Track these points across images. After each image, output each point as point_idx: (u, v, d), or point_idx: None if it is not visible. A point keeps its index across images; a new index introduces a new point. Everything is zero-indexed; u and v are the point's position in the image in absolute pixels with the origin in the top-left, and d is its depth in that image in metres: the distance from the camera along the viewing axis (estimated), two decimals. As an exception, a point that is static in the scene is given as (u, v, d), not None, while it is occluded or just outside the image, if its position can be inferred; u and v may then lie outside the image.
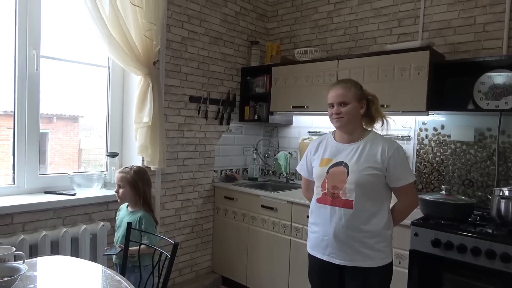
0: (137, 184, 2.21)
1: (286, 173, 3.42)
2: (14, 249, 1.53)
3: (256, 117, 3.45)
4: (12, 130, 2.40)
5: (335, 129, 1.88)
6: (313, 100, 2.97)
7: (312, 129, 3.38)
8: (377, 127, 1.87)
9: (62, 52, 2.57)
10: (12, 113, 2.38)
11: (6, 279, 1.33)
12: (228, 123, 3.44)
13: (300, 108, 3.05)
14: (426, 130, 2.73)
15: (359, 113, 1.79)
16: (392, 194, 1.82)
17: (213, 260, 3.41)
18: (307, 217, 2.61)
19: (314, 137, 3.32)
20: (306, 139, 3.34)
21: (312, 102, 2.97)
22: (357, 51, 3.09)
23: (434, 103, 2.43)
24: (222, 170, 3.45)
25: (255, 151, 3.65)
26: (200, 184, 3.27)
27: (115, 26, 2.40)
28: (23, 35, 2.33)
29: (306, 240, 2.66)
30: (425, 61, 2.41)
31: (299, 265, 2.73)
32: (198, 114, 3.20)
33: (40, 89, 2.44)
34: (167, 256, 1.73)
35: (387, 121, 1.85)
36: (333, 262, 1.77)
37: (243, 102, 3.51)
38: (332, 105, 1.79)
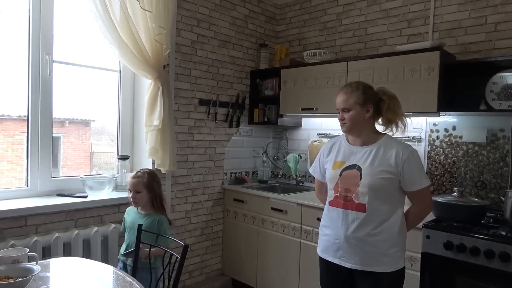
0: (153, 187, 2.23)
1: (296, 176, 3.41)
2: (28, 250, 1.56)
3: (265, 119, 3.46)
4: (26, 134, 2.44)
5: None
6: (322, 102, 2.96)
7: (321, 131, 3.37)
8: (394, 130, 1.79)
9: (74, 57, 2.61)
10: (26, 118, 2.42)
11: (20, 279, 1.36)
12: (237, 126, 3.45)
13: (310, 110, 3.04)
14: (437, 131, 2.70)
15: (364, 117, 1.75)
16: (406, 198, 1.80)
17: (223, 262, 3.41)
18: (318, 219, 2.62)
19: (324, 139, 3.31)
20: (315, 141, 3.33)
21: (321, 104, 2.97)
22: (366, 53, 3.08)
23: (445, 104, 2.40)
24: (231, 173, 3.46)
25: (264, 154, 3.65)
26: (210, 186, 3.28)
27: (126, 31, 2.44)
28: (36, 41, 2.38)
29: (316, 243, 2.65)
30: (436, 61, 2.39)
31: (309, 267, 2.71)
32: (208, 117, 3.22)
33: (53, 93, 2.48)
34: (177, 258, 1.74)
35: (405, 123, 1.78)
36: (344, 265, 1.76)
37: (253, 104, 3.52)
38: (338, 110, 1.81)
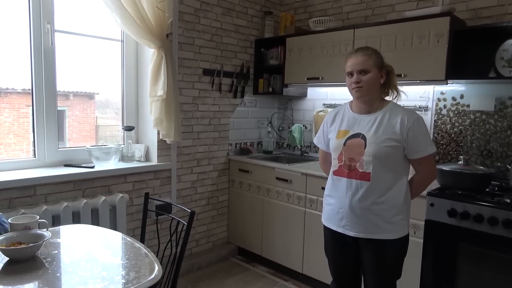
0: None
1: (301, 146, 3.41)
2: (38, 217, 1.59)
3: (270, 89, 3.42)
4: (31, 106, 2.44)
5: (352, 99, 1.84)
6: (328, 71, 2.91)
7: (327, 101, 3.34)
8: (389, 99, 1.82)
9: (75, 26, 2.57)
10: (30, 91, 2.41)
11: (31, 245, 1.39)
12: (242, 96, 3.43)
13: (315, 80, 3.00)
14: (445, 100, 2.66)
15: (379, 82, 1.73)
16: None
17: (229, 231, 3.48)
18: (322, 188, 2.63)
19: (329, 109, 3.28)
20: (321, 111, 3.31)
21: (327, 73, 2.92)
22: (374, 20, 3.00)
23: (453, 72, 2.35)
24: (236, 143, 3.47)
25: (269, 124, 3.64)
26: (215, 157, 3.30)
27: (127, -2, 2.38)
28: (37, 9, 2.34)
29: (320, 211, 2.69)
30: (445, 28, 2.32)
31: (313, 235, 2.76)
32: (212, 87, 3.19)
33: (56, 65, 2.46)
34: (184, 225, 1.77)
35: (399, 93, 1.81)
36: (348, 234, 1.77)
37: (257, 74, 3.48)
38: (351, 74, 1.73)
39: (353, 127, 1.78)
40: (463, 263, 2.07)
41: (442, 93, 2.67)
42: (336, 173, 1.81)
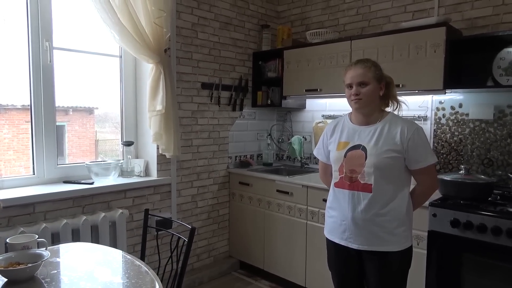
0: None
1: (301, 158, 3.40)
2: (37, 236, 1.58)
3: (269, 102, 3.43)
4: (30, 123, 2.44)
5: (351, 111, 1.84)
6: (326, 82, 2.92)
7: (326, 112, 3.34)
8: (389, 110, 1.83)
9: (74, 43, 2.58)
10: (29, 107, 2.41)
11: (30, 265, 1.37)
12: (241, 109, 3.43)
13: (313, 92, 3.01)
14: (444, 109, 2.67)
15: (378, 94, 1.74)
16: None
17: (230, 245, 3.44)
18: (323, 200, 2.62)
19: (328, 120, 3.28)
20: (320, 122, 3.31)
21: (325, 85, 2.93)
22: (370, 31, 3.02)
23: (451, 81, 2.36)
24: (236, 156, 3.46)
25: (269, 136, 3.64)
26: (215, 170, 3.29)
27: (125, 15, 2.40)
28: (35, 27, 2.35)
29: (322, 224, 2.67)
30: (442, 38, 2.33)
31: (315, 248, 2.73)
32: (211, 101, 3.20)
33: (55, 81, 2.47)
34: (184, 241, 1.75)
35: (400, 104, 1.82)
36: (351, 246, 1.75)
37: (256, 87, 3.49)
38: (350, 86, 1.74)
39: (353, 138, 1.77)
40: (468, 273, 2.04)
41: (440, 102, 2.68)
42: (337, 185, 1.80)
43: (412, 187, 1.80)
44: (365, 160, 1.69)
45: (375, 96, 1.72)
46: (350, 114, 1.87)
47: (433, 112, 2.71)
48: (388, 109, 1.82)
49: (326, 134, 1.92)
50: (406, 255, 1.73)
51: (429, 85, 2.40)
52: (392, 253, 1.70)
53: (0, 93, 2.56)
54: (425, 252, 2.17)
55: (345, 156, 1.76)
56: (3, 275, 1.36)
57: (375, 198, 1.68)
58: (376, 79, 1.71)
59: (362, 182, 1.70)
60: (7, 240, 1.53)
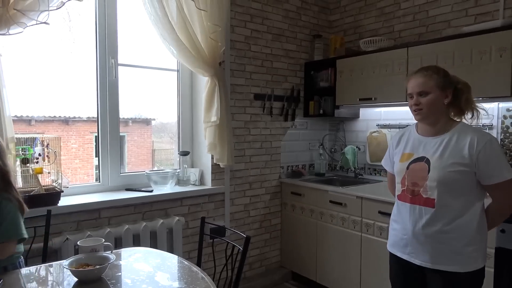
0: None
1: (355, 168, 3.33)
2: (103, 240, 1.69)
3: (321, 111, 3.41)
4: (96, 134, 2.64)
5: (414, 120, 1.75)
6: (381, 91, 2.85)
7: (381, 121, 3.25)
8: (467, 118, 1.68)
9: (135, 59, 2.76)
10: (95, 119, 2.61)
11: (98, 267, 1.47)
12: (293, 119, 3.44)
13: (368, 100, 2.94)
14: (511, 117, 2.49)
15: (443, 103, 1.62)
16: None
17: (282, 255, 3.43)
18: (379, 212, 2.55)
19: (384, 130, 3.19)
20: (374, 132, 3.22)
21: (380, 94, 2.86)
22: (428, 37, 2.90)
23: (520, 87, 2.20)
24: (288, 166, 3.46)
25: (321, 146, 3.61)
26: (267, 180, 3.31)
27: (183, 31, 2.52)
28: (102, 46, 2.55)
29: (378, 237, 2.59)
30: (509, 41, 2.19)
31: (371, 261, 2.64)
32: (263, 111, 3.24)
33: (119, 95, 2.64)
34: (239, 249, 1.78)
35: (478, 112, 1.67)
36: (414, 262, 1.66)
37: (307, 97, 3.48)
38: (411, 96, 1.66)
39: (417, 150, 1.68)
40: (544, 297, 1.87)
41: (508, 110, 2.50)
42: (400, 197, 1.72)
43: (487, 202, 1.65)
44: (428, 173, 1.60)
45: (439, 105, 1.62)
46: (417, 124, 1.77)
47: (500, 120, 2.54)
48: (468, 118, 1.68)
49: (392, 144, 1.86)
50: (474, 277, 1.58)
51: (495, 91, 2.26)
52: (459, 274, 1.56)
53: (69, 106, 2.79)
54: (493, 271, 2.02)
55: (407, 168, 1.68)
56: (74, 275, 1.47)
57: (438, 213, 1.58)
58: (439, 87, 1.60)
59: (424, 196, 1.61)
60: (78, 243, 1.66)
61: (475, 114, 1.67)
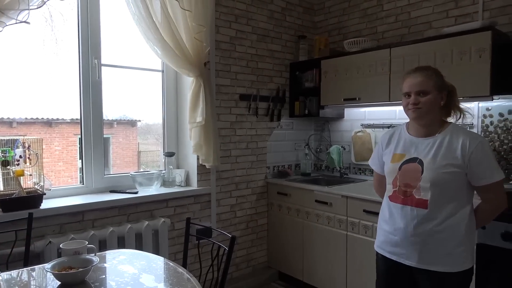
0: None
1: (340, 167, 3.36)
2: (87, 242, 1.66)
3: (306, 112, 3.43)
4: (80, 136, 2.60)
5: (408, 121, 1.75)
6: (365, 91, 2.88)
7: (365, 121, 3.29)
8: (452, 120, 1.71)
9: (119, 60, 2.73)
10: (79, 121, 2.57)
11: (81, 269, 1.45)
12: (278, 119, 3.45)
13: (352, 101, 2.98)
14: (491, 116, 2.55)
15: (439, 104, 1.63)
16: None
17: (269, 255, 3.44)
18: (364, 211, 2.57)
19: (368, 130, 3.23)
20: (359, 132, 3.26)
21: (364, 94, 2.89)
22: (410, 38, 2.96)
23: (499, 87, 2.26)
24: (274, 166, 3.47)
25: (306, 146, 3.63)
26: (253, 180, 3.32)
27: (167, 31, 2.51)
28: (85, 46, 2.52)
29: (363, 235, 2.62)
30: (487, 42, 2.25)
31: (357, 260, 2.67)
32: (249, 112, 3.25)
33: (103, 96, 2.61)
34: (225, 250, 1.78)
35: (464, 114, 1.70)
36: (403, 262, 1.66)
37: (293, 97, 3.50)
38: (408, 95, 1.64)
39: (409, 150, 1.68)
40: (523, 291, 1.92)
41: (487, 109, 2.56)
42: (391, 198, 1.71)
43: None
44: (421, 174, 1.60)
45: (435, 106, 1.62)
46: (407, 124, 1.77)
47: (480, 119, 2.60)
48: (450, 119, 1.71)
49: (381, 144, 1.84)
50: (463, 277, 1.60)
51: (475, 91, 2.31)
52: (447, 274, 1.57)
53: (52, 108, 2.74)
54: (475, 266, 2.06)
55: (399, 169, 1.67)
56: (57, 278, 1.45)
57: (430, 214, 1.58)
58: (437, 88, 1.61)
59: (417, 197, 1.61)
60: (61, 246, 1.63)
61: (460, 115, 1.70)
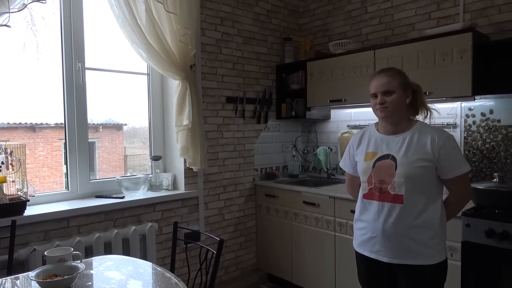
0: None
1: (327, 168, 3.38)
2: (72, 249, 1.63)
3: (293, 113, 3.44)
4: (64, 140, 2.56)
5: (377, 121, 1.81)
6: (350, 92, 2.91)
7: (351, 122, 3.32)
8: (420, 118, 1.78)
9: (103, 63, 2.70)
10: (63, 125, 2.53)
11: (66, 277, 1.42)
12: (265, 122, 3.46)
13: (338, 102, 3.00)
14: (473, 116, 2.60)
15: (405, 102, 1.70)
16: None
17: (258, 257, 3.43)
18: (351, 211, 2.59)
19: (354, 131, 3.26)
20: (345, 133, 3.29)
21: (349, 95, 2.92)
22: (394, 40, 3.00)
23: (480, 87, 2.31)
24: (262, 168, 3.48)
25: (294, 148, 3.64)
26: (241, 183, 3.31)
27: (152, 34, 2.49)
28: (69, 50, 2.48)
29: (351, 235, 2.63)
30: (468, 43, 2.29)
31: (345, 260, 2.69)
32: (236, 114, 3.24)
33: (87, 100, 2.58)
34: (213, 253, 1.77)
35: (430, 112, 1.77)
36: (382, 260, 1.70)
37: (280, 99, 3.51)
38: (375, 95, 1.71)
39: (381, 148, 1.74)
40: (508, 286, 1.96)
41: (470, 109, 2.61)
42: (366, 196, 1.75)
43: (444, 196, 1.74)
44: (395, 170, 1.65)
45: (402, 104, 1.69)
46: (376, 124, 1.83)
47: (463, 119, 2.65)
48: (419, 117, 1.78)
49: (352, 145, 1.89)
50: (440, 268, 1.66)
51: (457, 92, 2.36)
52: (426, 266, 1.63)
53: (35, 113, 2.69)
54: (460, 264, 2.10)
55: (373, 166, 1.72)
56: (42, 287, 1.41)
57: (406, 209, 1.63)
58: (401, 87, 1.68)
59: (392, 193, 1.65)
60: (45, 253, 1.60)
61: (427, 113, 1.77)
